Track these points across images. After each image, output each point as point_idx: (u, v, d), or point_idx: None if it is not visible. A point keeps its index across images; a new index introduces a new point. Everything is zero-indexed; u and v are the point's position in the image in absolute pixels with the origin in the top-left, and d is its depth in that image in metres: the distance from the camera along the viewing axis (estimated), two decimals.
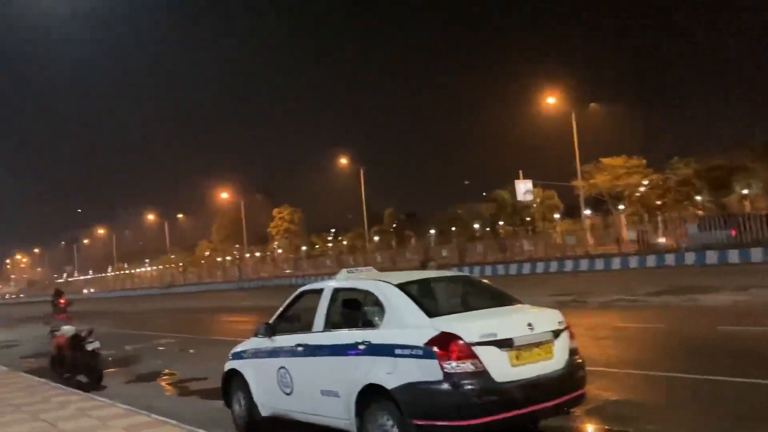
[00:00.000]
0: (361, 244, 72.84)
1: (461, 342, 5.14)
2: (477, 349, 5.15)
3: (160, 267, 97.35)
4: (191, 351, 15.72)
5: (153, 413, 7.96)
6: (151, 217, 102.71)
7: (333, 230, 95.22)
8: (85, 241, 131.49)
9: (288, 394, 6.65)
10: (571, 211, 64.53)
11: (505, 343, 5.28)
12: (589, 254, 36.18)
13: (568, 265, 34.71)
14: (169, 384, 11.51)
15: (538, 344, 5.50)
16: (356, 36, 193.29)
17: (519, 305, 6.13)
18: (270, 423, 7.00)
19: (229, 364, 7.63)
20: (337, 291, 6.55)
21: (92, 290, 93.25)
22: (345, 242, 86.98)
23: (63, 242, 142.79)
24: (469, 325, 5.35)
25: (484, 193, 78.68)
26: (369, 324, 5.98)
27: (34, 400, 9.50)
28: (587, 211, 53.95)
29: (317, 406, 6.23)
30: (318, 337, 6.35)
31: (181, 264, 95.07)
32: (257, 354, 7.18)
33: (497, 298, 6.28)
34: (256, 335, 7.17)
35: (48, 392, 10.24)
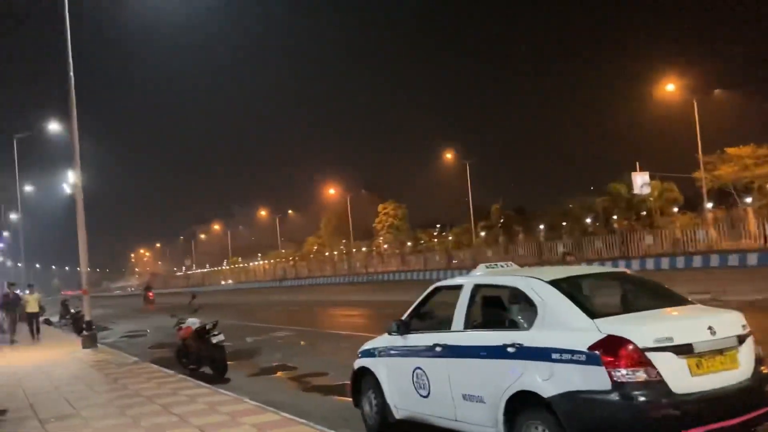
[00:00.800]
0: (467, 239, 71.74)
1: (632, 347, 4.49)
2: (651, 355, 4.48)
3: (272, 261, 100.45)
4: (308, 344, 15.69)
5: (280, 410, 7.76)
6: (263, 213, 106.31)
7: (438, 226, 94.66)
8: (202, 236, 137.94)
9: (424, 397, 6.20)
10: (692, 205, 60.63)
11: (683, 350, 4.57)
12: (717, 250, 33.63)
13: (697, 261, 32.42)
14: (290, 378, 11.40)
15: (721, 351, 4.75)
16: (463, 29, 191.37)
17: (694, 305, 5.37)
18: (403, 426, 6.58)
19: (359, 362, 7.28)
20: (477, 287, 6.02)
21: (230, 281, 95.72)
22: (450, 238, 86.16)
23: (182, 237, 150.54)
24: (640, 328, 4.67)
25: (591, 187, 75.53)
26: (516, 324, 5.44)
27: (164, 392, 9.60)
28: (709, 205, 50.43)
29: (458, 411, 5.74)
30: (458, 336, 5.85)
31: (291, 258, 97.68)
32: (390, 352, 6.79)
33: (665, 297, 5.54)
34: (388, 333, 6.77)
35: (176, 384, 10.36)
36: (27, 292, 22.92)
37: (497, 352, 5.32)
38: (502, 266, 6.52)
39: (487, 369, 5.42)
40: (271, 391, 10.03)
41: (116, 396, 9.70)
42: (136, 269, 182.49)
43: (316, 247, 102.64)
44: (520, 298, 5.54)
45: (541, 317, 5.14)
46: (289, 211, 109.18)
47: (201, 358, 12.16)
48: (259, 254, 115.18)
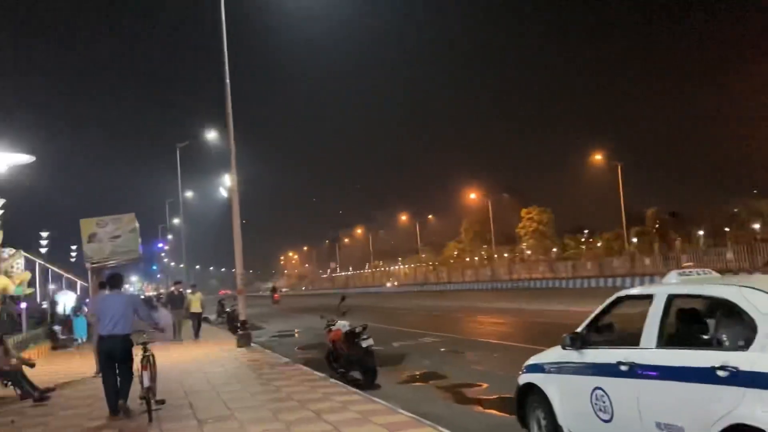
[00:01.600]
0: (618, 245, 68.04)
1: None
2: None
3: (412, 265, 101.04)
4: (456, 352, 15.10)
5: (438, 425, 7.23)
6: (403, 218, 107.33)
7: (586, 231, 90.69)
8: (346, 240, 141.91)
9: (606, 422, 5.40)
10: None
11: None
12: None
13: None
14: (442, 388, 10.85)
15: None
16: (611, 30, 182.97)
17: None
18: None
19: (526, 378, 6.58)
20: (672, 298, 5.14)
21: (395, 283, 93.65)
22: (600, 244, 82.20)
23: (327, 241, 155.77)
24: None
25: (755, 190, 68.82)
26: (726, 343, 4.53)
27: (316, 397, 9.41)
28: None
29: None
30: (650, 354, 5.00)
31: (431, 263, 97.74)
32: (562, 369, 6.03)
33: None
34: (562, 346, 6.03)
35: (328, 389, 10.16)
36: (189, 291, 23.57)
37: (704, 376, 4.43)
38: (698, 274, 5.58)
39: (690, 395, 4.55)
40: (423, 401, 9.54)
41: (269, 399, 9.64)
42: (285, 271, 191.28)
43: (456, 252, 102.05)
44: (728, 311, 4.62)
45: (763, 335, 4.22)
46: (429, 216, 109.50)
47: (351, 362, 11.94)
48: (400, 258, 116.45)
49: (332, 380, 11.17)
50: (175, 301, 22.50)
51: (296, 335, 23.76)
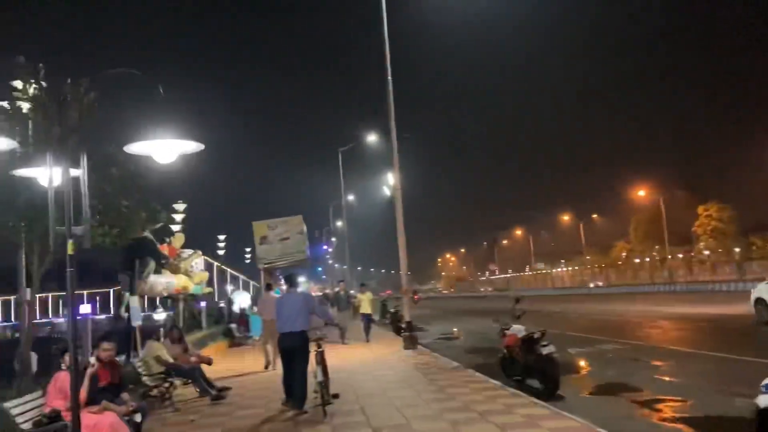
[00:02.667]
0: None
1: None
2: None
3: (576, 267, 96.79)
4: (643, 360, 13.55)
5: None
6: (565, 218, 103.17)
7: None
8: (505, 242, 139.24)
9: None
10: None
11: None
12: None
13: None
14: (638, 403, 9.55)
15: None
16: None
17: None
18: None
19: (766, 399, 5.34)
20: None
21: (599, 284, 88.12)
22: None
23: (485, 243, 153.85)
24: None
25: None
26: None
27: (496, 409, 8.58)
28: None
29: None
30: None
31: (597, 265, 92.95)
32: None
33: None
34: None
35: (507, 399, 9.29)
36: (358, 291, 23.16)
37: None
38: None
39: None
40: (622, 419, 8.38)
41: (445, 408, 8.95)
42: (443, 273, 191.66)
43: (625, 253, 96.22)
44: None
45: None
46: (594, 216, 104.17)
47: (529, 370, 10.98)
48: (563, 260, 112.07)
49: (510, 389, 10.28)
50: (340, 302, 21.93)
51: (461, 338, 23.02)
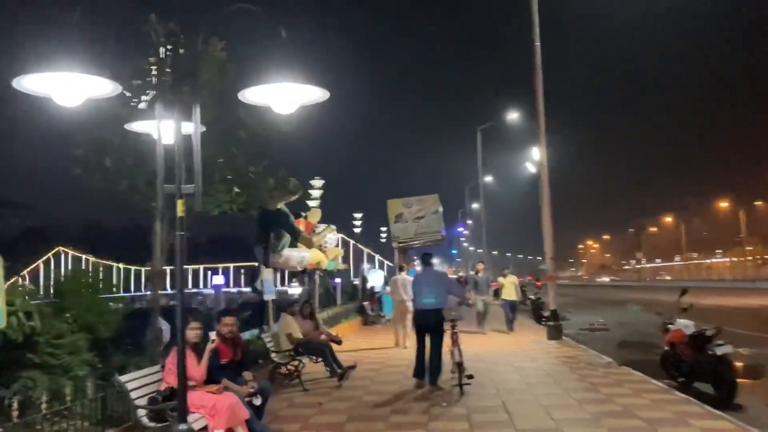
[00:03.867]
0: None
1: None
2: None
3: (734, 259, 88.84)
4: None
5: None
6: (723, 204, 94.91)
7: None
8: (652, 229, 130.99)
9: None
10: None
11: None
12: None
13: None
14: None
15: None
16: None
17: None
18: None
19: None
20: None
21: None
22: None
23: (631, 230, 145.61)
24: None
25: None
26: None
27: (666, 417, 7.26)
28: None
29: None
30: None
31: (759, 256, 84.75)
32: None
33: None
34: None
35: (678, 406, 7.89)
36: (500, 275, 20.25)
37: None
38: None
39: None
40: None
41: (602, 411, 7.72)
42: (583, 260, 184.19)
43: None
44: None
45: None
46: (757, 202, 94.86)
47: (697, 372, 9.43)
48: (719, 251, 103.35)
49: (678, 393, 8.83)
50: (479, 286, 18.91)
51: (609, 330, 21.16)
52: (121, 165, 7.44)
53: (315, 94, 4.41)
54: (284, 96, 4.42)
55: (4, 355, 6.08)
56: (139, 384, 5.74)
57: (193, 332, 6.20)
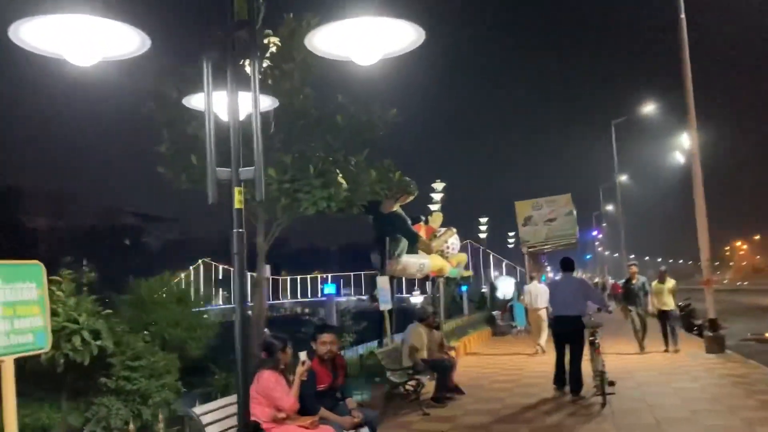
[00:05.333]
0: None
1: None
2: None
3: None
4: None
5: None
6: None
7: None
8: None
9: None
10: None
11: None
12: None
13: None
14: None
15: None
16: None
17: None
18: None
19: None
20: None
21: None
22: None
23: None
24: None
25: None
26: None
27: None
28: None
29: None
30: None
31: None
32: None
33: None
34: None
35: None
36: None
37: None
38: None
39: None
40: None
41: None
42: (731, 263, 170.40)
43: None
44: None
45: None
46: None
47: None
48: None
49: None
50: (631, 294, 14.47)
51: None
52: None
53: (409, 34, 3.27)
54: (364, 40, 3.31)
55: (78, 380, 5.45)
56: (220, 415, 4.82)
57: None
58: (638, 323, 14.20)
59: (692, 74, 14.60)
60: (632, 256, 53.82)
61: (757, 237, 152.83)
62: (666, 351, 13.90)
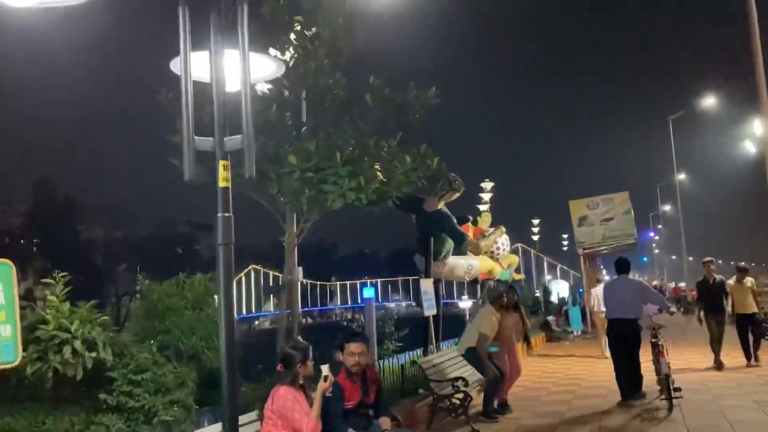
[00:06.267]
0: None
1: None
2: None
3: None
4: None
5: None
6: None
7: None
8: None
9: None
10: None
11: None
12: None
13: None
14: None
15: None
16: None
17: None
18: None
19: None
20: None
21: None
22: None
23: None
24: None
25: None
26: None
27: None
28: None
29: None
30: None
31: None
32: None
33: None
34: None
35: None
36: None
37: None
38: None
39: None
40: None
41: None
42: None
43: None
44: None
45: None
46: None
47: None
48: None
49: None
50: (709, 296, 12.21)
51: None
52: None
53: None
54: None
55: (75, 395, 4.86)
56: None
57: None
58: (717, 332, 11.88)
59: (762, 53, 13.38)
60: (691, 258, 51.58)
61: None
62: (748, 365, 11.75)
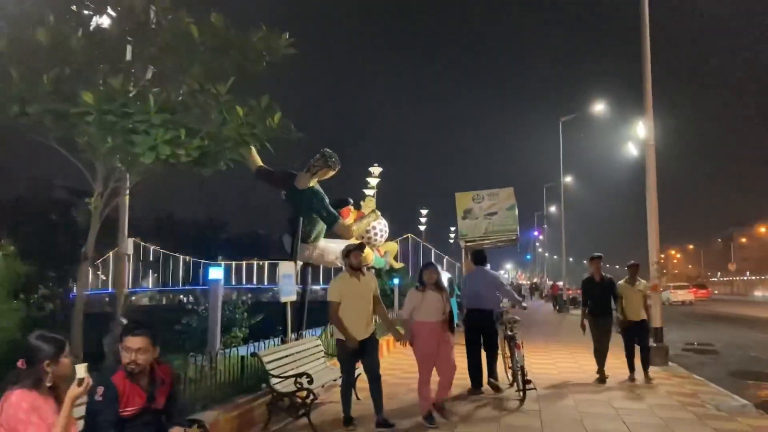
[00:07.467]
0: None
1: None
2: None
3: None
4: None
5: None
6: None
7: None
8: (743, 240, 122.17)
9: None
10: None
11: None
12: None
13: None
14: None
15: None
16: None
17: None
18: None
19: None
20: None
21: None
22: None
23: (719, 240, 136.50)
24: None
25: None
26: None
27: None
28: None
29: None
30: None
31: None
32: None
33: None
34: None
35: None
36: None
37: None
38: None
39: None
40: None
41: None
42: (664, 270, 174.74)
43: None
44: None
45: None
46: None
47: None
48: None
49: None
50: (595, 297, 10.59)
51: (717, 352, 17.39)
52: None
53: None
54: None
55: None
56: None
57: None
58: (602, 341, 10.39)
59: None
60: (571, 258, 53.43)
61: (691, 246, 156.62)
62: (631, 379, 10.31)
